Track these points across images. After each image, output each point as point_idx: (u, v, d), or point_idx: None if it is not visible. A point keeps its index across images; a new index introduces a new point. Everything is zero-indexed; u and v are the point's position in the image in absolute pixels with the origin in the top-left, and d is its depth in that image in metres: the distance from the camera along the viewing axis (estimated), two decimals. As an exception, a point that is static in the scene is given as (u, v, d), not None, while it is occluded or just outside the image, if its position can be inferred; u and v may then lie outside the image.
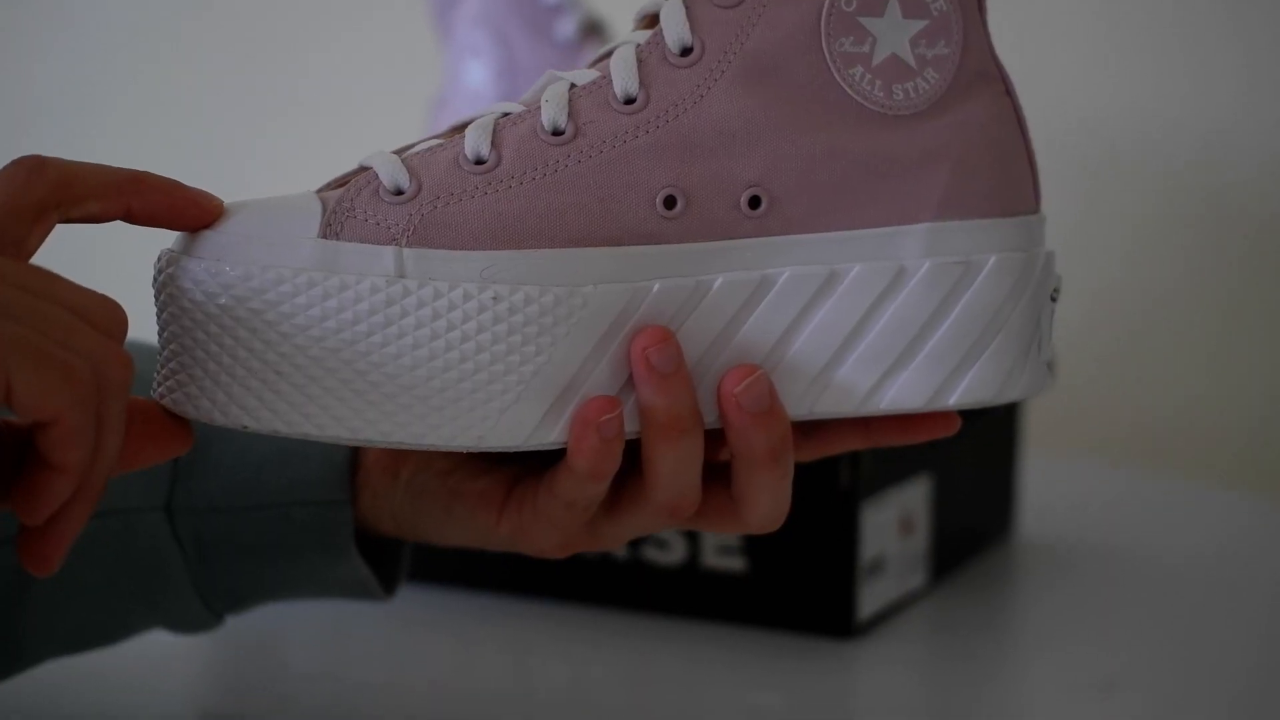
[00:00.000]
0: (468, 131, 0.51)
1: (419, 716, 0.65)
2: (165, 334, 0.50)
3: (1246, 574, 0.81)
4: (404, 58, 1.10)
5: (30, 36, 1.15)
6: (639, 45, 0.53)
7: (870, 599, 0.74)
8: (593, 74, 0.53)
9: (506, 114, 0.52)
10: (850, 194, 0.52)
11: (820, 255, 0.52)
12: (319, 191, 0.52)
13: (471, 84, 0.80)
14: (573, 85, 0.52)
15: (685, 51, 0.53)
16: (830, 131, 0.52)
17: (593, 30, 0.83)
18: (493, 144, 0.51)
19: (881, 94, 0.53)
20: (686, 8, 0.53)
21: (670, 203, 0.51)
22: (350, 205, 0.50)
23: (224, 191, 0.50)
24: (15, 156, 0.47)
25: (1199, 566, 0.80)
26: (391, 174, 0.50)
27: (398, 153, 0.52)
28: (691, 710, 0.67)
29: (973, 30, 0.54)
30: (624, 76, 0.52)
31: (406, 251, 0.49)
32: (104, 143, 1.15)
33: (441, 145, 0.51)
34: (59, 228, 0.48)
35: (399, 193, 0.50)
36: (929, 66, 0.53)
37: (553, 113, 0.51)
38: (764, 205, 0.52)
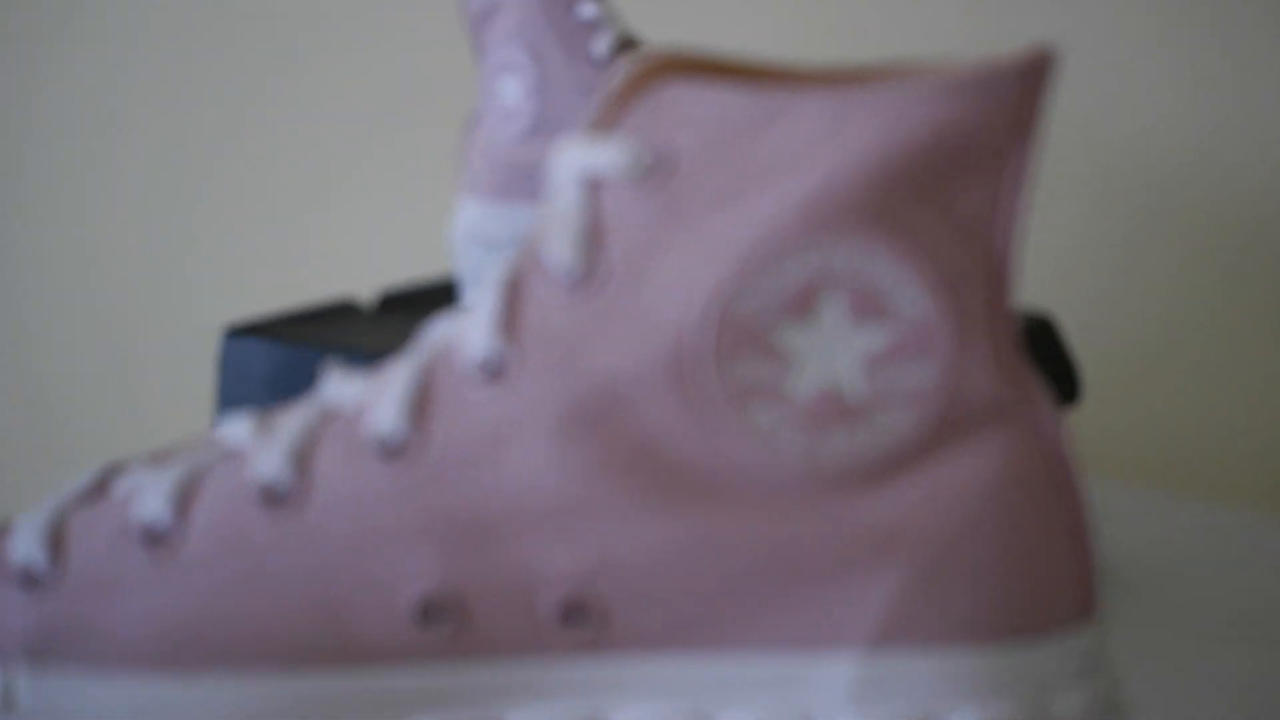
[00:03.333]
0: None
1: None
2: None
3: (1270, 598, 0.67)
4: (443, 74, 1.01)
5: (35, 42, 1.08)
6: (432, 359, 0.35)
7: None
8: (361, 389, 0.35)
9: (235, 449, 0.35)
10: (730, 604, 0.33)
11: (678, 688, 0.34)
12: None
13: (506, 101, 0.74)
14: (334, 411, 0.35)
15: (498, 371, 0.34)
16: (702, 511, 0.33)
17: (626, 46, 0.74)
18: (179, 502, 0.34)
19: (801, 448, 0.33)
20: (511, 291, 0.35)
21: (432, 614, 0.33)
22: None
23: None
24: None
25: (1220, 590, 0.68)
26: (27, 549, 0.34)
27: (100, 481, 0.36)
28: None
29: (980, 333, 0.34)
30: (392, 404, 0.34)
31: (22, 676, 0.33)
32: (111, 152, 1.07)
33: (117, 504, 0.35)
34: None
35: (30, 580, 0.34)
36: (893, 403, 0.33)
37: (275, 459, 0.34)
38: (590, 619, 0.33)
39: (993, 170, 0.33)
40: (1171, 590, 0.67)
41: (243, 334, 0.65)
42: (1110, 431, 0.94)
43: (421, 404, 0.34)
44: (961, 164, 0.33)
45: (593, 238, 0.34)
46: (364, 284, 1.00)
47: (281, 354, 0.64)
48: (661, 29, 0.98)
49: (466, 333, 0.34)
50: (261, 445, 0.34)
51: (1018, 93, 0.33)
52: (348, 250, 1.02)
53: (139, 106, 1.09)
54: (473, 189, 0.71)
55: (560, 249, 0.34)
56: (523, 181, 0.70)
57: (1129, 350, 0.96)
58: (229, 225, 1.06)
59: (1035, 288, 0.95)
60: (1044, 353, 0.64)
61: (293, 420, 0.34)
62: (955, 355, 0.33)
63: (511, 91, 0.71)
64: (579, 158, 0.34)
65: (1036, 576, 0.34)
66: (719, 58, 0.35)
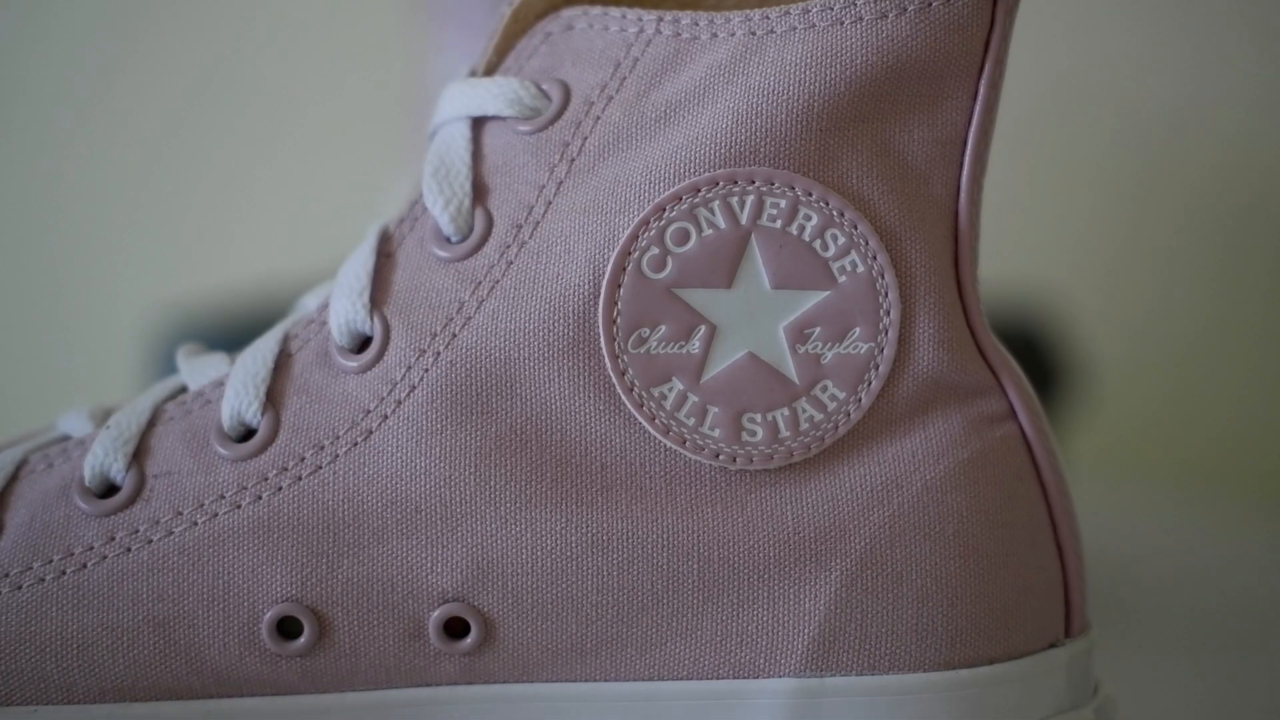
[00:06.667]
0: None
1: None
2: None
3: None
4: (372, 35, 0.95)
5: (14, 33, 1.05)
6: (289, 333, 0.30)
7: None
8: (215, 368, 0.30)
9: (67, 438, 0.30)
10: (633, 619, 0.28)
11: (575, 715, 0.29)
12: None
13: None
14: (179, 394, 0.30)
15: (362, 345, 0.29)
16: (598, 507, 0.28)
17: None
18: None
19: (720, 432, 0.28)
20: (383, 252, 0.30)
21: (289, 628, 0.28)
22: None
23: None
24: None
25: (1239, 597, 0.63)
26: None
27: None
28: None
29: (930, 296, 0.29)
30: (243, 388, 0.29)
31: None
32: (92, 141, 1.04)
33: None
34: None
35: None
36: (825, 380, 0.28)
37: (103, 455, 0.29)
38: (472, 635, 0.28)
39: (944, 107, 0.28)
40: (1175, 593, 0.62)
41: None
42: (1118, 426, 0.88)
43: (275, 382, 0.29)
44: (904, 98, 0.28)
45: (475, 192, 0.29)
46: (294, 263, 0.95)
47: None
48: None
49: (333, 300, 0.29)
50: (95, 432, 0.29)
51: (974, 9, 0.28)
52: (276, 230, 0.98)
53: (89, 90, 1.05)
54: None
55: (438, 204, 0.29)
56: None
57: (1142, 342, 0.92)
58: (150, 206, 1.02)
59: (1046, 273, 0.91)
60: (1025, 359, 0.61)
61: (135, 401, 0.30)
62: (896, 324, 0.28)
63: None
64: (461, 100, 0.30)
65: (1001, 589, 0.29)
66: None
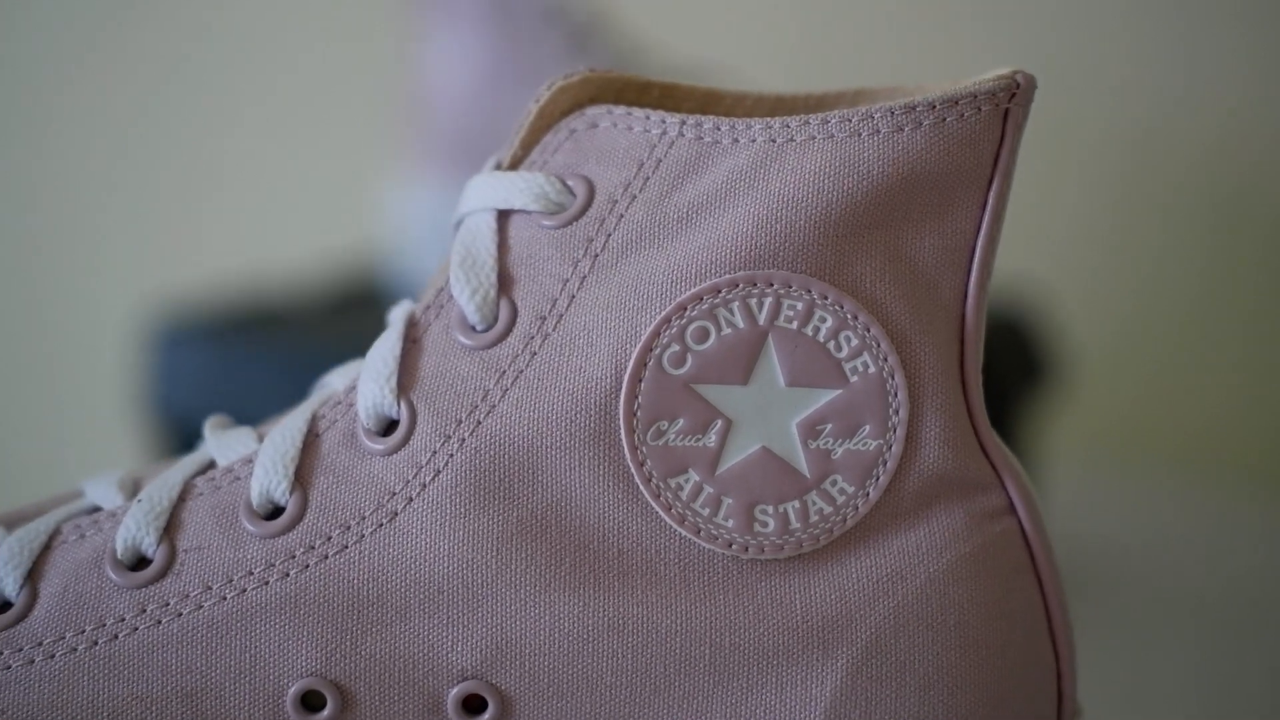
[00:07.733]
0: None
1: None
2: None
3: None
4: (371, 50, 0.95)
5: None
6: (316, 413, 0.31)
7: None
8: (244, 444, 0.31)
9: (96, 508, 0.31)
10: (648, 700, 0.29)
11: None
12: None
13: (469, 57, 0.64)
14: (208, 469, 0.31)
15: (389, 428, 0.31)
16: (615, 592, 0.29)
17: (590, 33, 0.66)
18: (28, 575, 0.30)
19: (733, 522, 0.29)
20: (409, 337, 0.31)
21: (312, 701, 0.29)
22: None
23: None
24: None
25: (1224, 583, 0.64)
26: None
27: None
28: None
29: (937, 396, 0.30)
30: (272, 467, 0.30)
31: None
32: (75, 131, 1.04)
33: None
34: None
35: None
36: (836, 473, 0.30)
37: (135, 529, 0.30)
38: (490, 712, 0.29)
39: (954, 216, 0.30)
40: (1148, 580, 0.63)
41: (176, 338, 0.62)
42: (1102, 413, 0.89)
43: (303, 462, 0.30)
44: (916, 207, 0.29)
45: (500, 282, 0.30)
46: (278, 258, 0.95)
47: (220, 359, 0.62)
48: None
49: (360, 383, 0.30)
50: (126, 505, 0.30)
51: (985, 125, 0.29)
52: (260, 219, 0.98)
53: (61, 87, 1.04)
54: (432, 168, 0.63)
55: (464, 293, 0.30)
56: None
57: (1122, 334, 0.92)
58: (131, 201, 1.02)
59: (1030, 266, 0.92)
60: (1011, 349, 0.62)
61: (165, 475, 0.31)
62: (905, 423, 0.29)
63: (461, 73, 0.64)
64: (487, 192, 0.31)
65: (999, 679, 0.30)
66: (648, 81, 0.32)
